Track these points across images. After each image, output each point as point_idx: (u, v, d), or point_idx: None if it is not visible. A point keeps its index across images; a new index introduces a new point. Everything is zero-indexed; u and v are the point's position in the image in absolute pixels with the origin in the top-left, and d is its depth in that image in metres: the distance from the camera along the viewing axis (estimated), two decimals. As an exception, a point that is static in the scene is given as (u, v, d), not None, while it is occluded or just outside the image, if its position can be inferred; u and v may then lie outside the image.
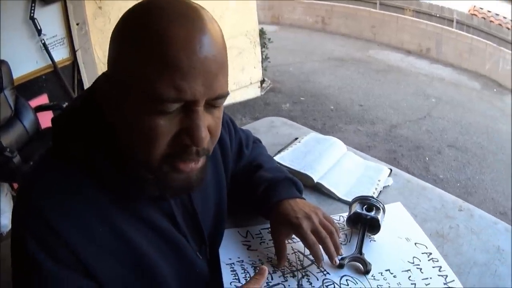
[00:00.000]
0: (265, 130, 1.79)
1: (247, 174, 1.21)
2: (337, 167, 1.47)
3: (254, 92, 6.34)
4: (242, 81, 6.00)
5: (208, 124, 0.75)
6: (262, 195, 1.13)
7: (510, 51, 7.59)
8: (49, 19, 3.72)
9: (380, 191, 1.36)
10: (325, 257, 1.02)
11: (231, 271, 1.02)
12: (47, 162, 0.82)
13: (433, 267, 1.03)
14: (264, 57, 6.48)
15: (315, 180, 1.38)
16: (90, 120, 0.80)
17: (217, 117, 0.78)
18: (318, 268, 1.02)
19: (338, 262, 1.01)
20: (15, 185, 3.29)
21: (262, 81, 6.48)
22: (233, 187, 1.17)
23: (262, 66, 6.32)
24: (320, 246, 1.01)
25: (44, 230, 0.72)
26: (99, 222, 0.77)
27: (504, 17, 8.56)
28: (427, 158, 4.82)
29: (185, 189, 0.82)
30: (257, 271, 0.90)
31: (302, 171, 1.41)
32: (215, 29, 0.72)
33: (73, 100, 0.86)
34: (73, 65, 4.04)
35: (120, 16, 0.75)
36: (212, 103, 0.74)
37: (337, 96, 6.64)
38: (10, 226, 2.71)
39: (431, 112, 6.17)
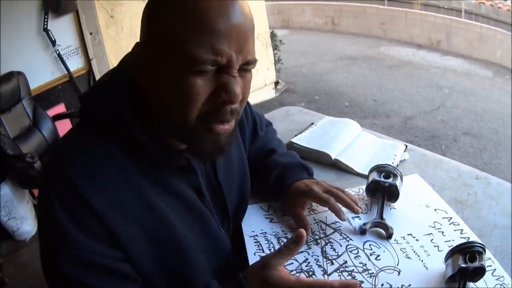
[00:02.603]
0: (282, 118, 1.83)
1: (260, 158, 1.24)
2: (353, 145, 1.49)
3: (269, 93, 6.36)
4: (257, 83, 5.98)
5: (240, 86, 0.79)
6: (276, 179, 1.17)
7: (520, 37, 7.45)
8: (63, 29, 3.77)
9: (397, 165, 1.37)
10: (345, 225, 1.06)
11: (254, 242, 1.04)
12: (76, 133, 0.86)
13: (455, 230, 1.05)
14: (276, 59, 6.52)
15: (333, 157, 1.40)
16: (120, 89, 0.83)
17: (248, 81, 0.83)
18: (341, 234, 1.05)
19: (360, 211, 1.06)
20: (36, 193, 3.34)
21: (276, 83, 6.51)
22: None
23: (275, 68, 6.35)
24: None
25: (71, 197, 0.75)
26: (126, 190, 0.79)
27: (512, 2, 8.41)
28: (443, 147, 4.81)
29: (216, 152, 0.84)
30: (281, 242, 0.99)
31: (319, 149, 1.43)
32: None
33: (101, 77, 0.89)
34: (89, 74, 4.08)
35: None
36: (243, 68, 0.79)
37: (351, 93, 6.63)
38: (33, 233, 2.79)
39: (445, 102, 6.13)
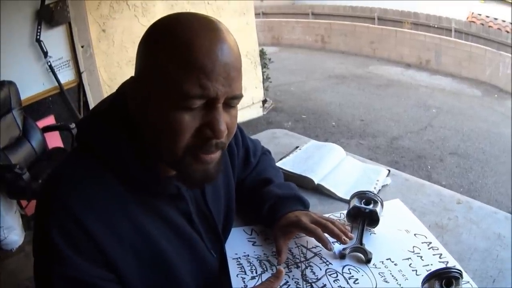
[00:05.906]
0: (267, 141, 1.84)
1: (255, 187, 1.27)
2: (336, 169, 1.52)
3: (256, 112, 6.40)
4: (244, 101, 6.00)
5: (225, 121, 0.82)
6: (269, 209, 1.19)
7: (510, 55, 7.56)
8: (55, 41, 3.78)
9: (379, 190, 1.40)
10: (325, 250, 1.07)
11: (237, 264, 1.07)
12: (73, 159, 0.89)
13: (434, 254, 1.07)
14: (265, 77, 6.59)
15: (316, 182, 1.42)
16: (116, 119, 0.87)
17: (233, 116, 0.86)
18: (321, 259, 1.07)
19: (348, 241, 1.06)
20: (23, 203, 3.35)
21: (264, 101, 6.57)
22: (239, 195, 1.23)
23: (263, 86, 6.41)
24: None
25: (69, 221, 0.77)
26: (121, 216, 0.83)
27: (503, 21, 8.52)
28: (429, 167, 4.84)
29: (205, 179, 0.88)
30: (263, 264, 1.01)
31: (303, 174, 1.46)
32: (231, 39, 0.82)
33: (98, 103, 0.93)
34: (79, 87, 4.09)
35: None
36: (229, 103, 0.83)
37: (338, 113, 6.69)
38: (19, 243, 2.77)
39: (432, 122, 6.21)
